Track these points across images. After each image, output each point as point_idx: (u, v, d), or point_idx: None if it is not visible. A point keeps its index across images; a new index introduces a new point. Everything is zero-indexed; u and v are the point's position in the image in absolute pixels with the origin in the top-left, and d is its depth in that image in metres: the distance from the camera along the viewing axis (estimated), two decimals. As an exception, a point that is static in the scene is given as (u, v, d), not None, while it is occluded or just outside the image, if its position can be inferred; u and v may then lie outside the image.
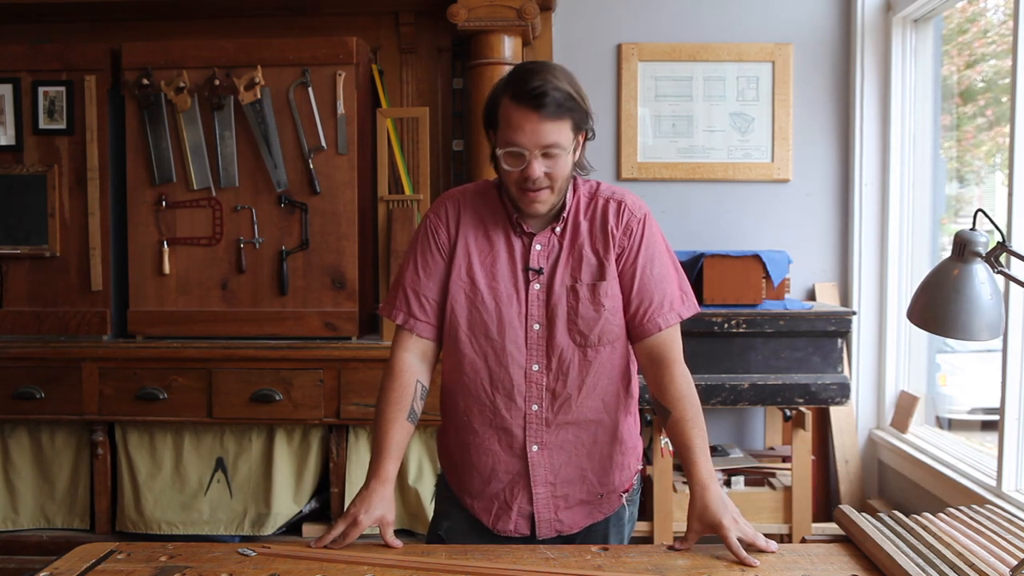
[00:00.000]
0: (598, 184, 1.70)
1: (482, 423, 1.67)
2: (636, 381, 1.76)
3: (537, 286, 1.64)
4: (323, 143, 2.96)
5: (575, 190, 1.67)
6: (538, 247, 1.64)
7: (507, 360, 1.63)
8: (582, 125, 1.58)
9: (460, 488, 1.74)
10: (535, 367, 1.64)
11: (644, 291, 1.63)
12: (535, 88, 1.50)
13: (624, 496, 1.75)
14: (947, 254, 1.42)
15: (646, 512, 2.83)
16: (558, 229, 1.64)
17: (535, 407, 1.64)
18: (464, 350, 1.65)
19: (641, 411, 2.12)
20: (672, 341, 1.64)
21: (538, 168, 1.53)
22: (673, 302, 1.65)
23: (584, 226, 1.65)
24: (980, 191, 3.36)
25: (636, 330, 1.65)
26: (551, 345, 1.63)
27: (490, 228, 1.67)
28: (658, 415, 1.65)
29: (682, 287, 1.68)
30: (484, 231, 1.67)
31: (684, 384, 1.61)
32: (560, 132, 1.53)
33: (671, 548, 1.55)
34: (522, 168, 1.54)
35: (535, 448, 1.65)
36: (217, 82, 2.94)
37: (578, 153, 1.61)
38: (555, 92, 1.50)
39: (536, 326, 1.64)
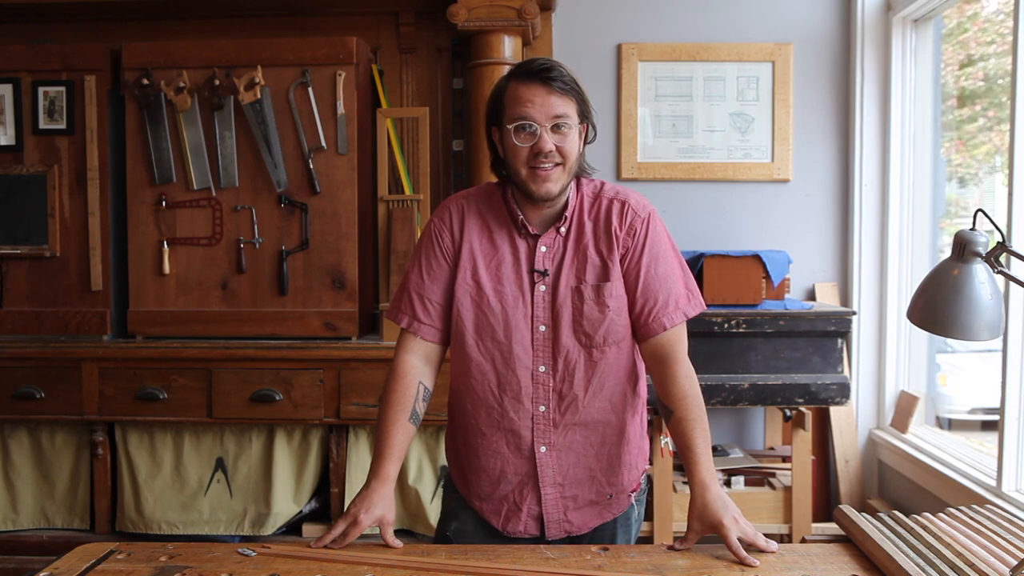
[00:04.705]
0: (602, 184, 1.70)
1: (490, 425, 1.67)
2: (644, 381, 1.76)
3: (542, 288, 1.64)
4: (323, 143, 2.96)
5: (578, 189, 1.67)
6: (543, 248, 1.64)
7: (514, 362, 1.63)
8: (585, 115, 1.61)
9: (468, 490, 1.74)
10: (542, 368, 1.64)
11: (649, 291, 1.63)
12: (542, 65, 1.56)
13: (632, 496, 1.75)
14: (947, 254, 1.42)
15: (647, 512, 2.83)
16: (562, 229, 1.64)
17: (542, 408, 1.65)
18: (471, 353, 1.66)
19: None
20: (677, 340, 1.65)
21: (548, 141, 1.55)
22: (678, 301, 1.65)
23: (588, 227, 1.65)
24: (980, 191, 3.35)
25: (641, 330, 1.65)
26: (557, 346, 1.63)
27: (495, 231, 1.67)
28: (661, 414, 1.65)
29: (688, 285, 1.68)
30: (488, 234, 1.67)
31: (688, 384, 1.61)
32: (568, 106, 1.57)
33: (671, 548, 1.55)
34: (532, 144, 1.55)
35: (543, 449, 1.66)
36: (217, 82, 2.94)
37: (581, 145, 1.62)
38: (561, 70, 1.57)
39: (542, 328, 1.64)
